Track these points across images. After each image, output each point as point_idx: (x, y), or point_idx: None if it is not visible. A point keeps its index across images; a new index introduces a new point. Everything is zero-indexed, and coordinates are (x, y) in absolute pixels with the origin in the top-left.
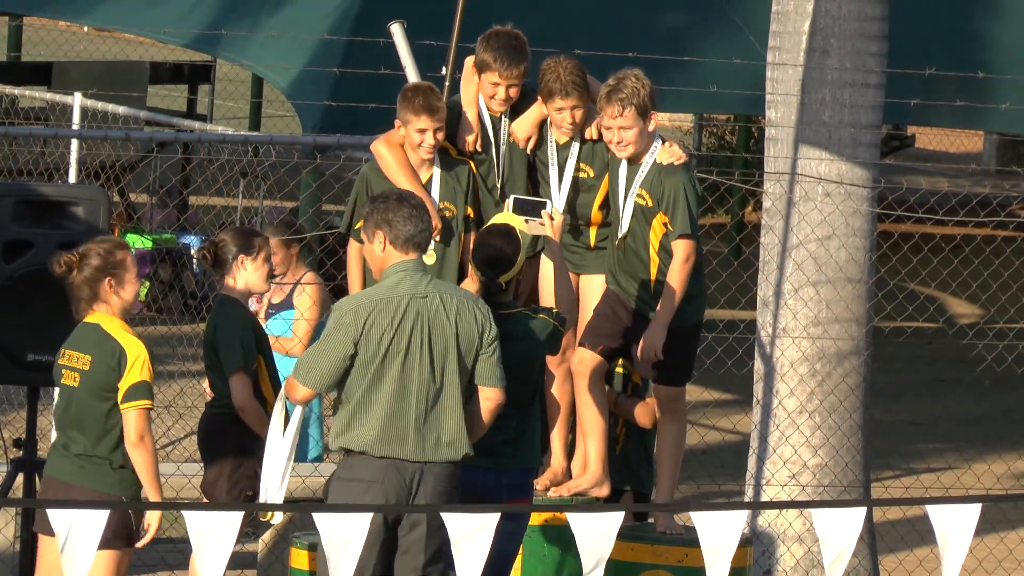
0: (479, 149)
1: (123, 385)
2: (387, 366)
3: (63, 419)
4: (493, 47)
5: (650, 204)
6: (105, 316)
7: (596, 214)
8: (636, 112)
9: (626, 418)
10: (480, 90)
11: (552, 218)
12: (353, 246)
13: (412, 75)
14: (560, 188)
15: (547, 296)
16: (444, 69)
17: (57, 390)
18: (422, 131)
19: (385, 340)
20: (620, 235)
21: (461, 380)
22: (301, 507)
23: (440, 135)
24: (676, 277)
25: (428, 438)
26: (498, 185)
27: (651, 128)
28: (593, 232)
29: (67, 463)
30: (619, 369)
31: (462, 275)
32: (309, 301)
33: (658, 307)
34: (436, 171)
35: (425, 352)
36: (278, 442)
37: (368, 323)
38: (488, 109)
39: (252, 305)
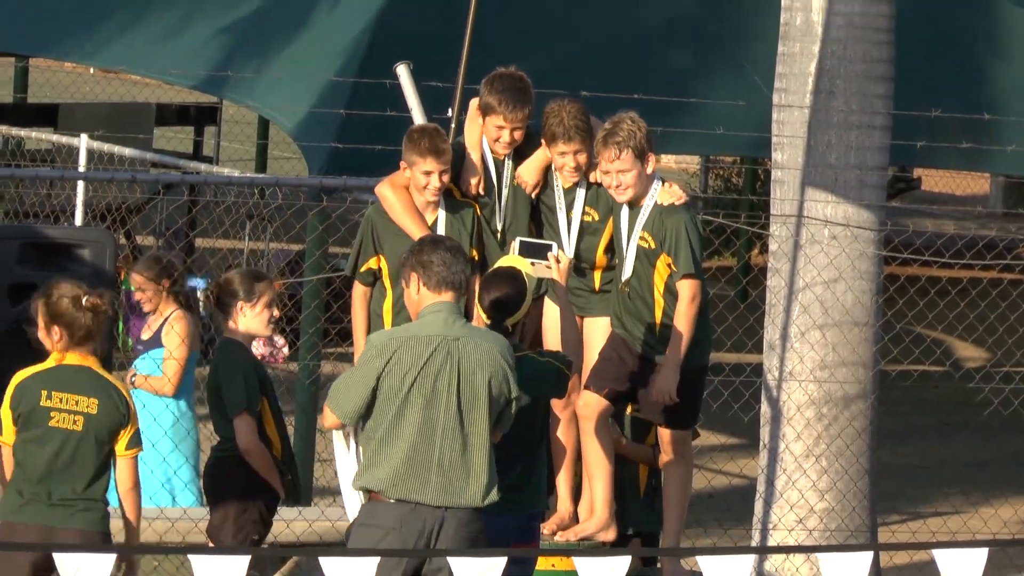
0: (483, 192)
1: (129, 431)
2: (410, 405)
3: (51, 464)
4: (497, 90)
5: (653, 246)
6: (95, 360)
7: (601, 257)
8: (633, 155)
9: (635, 461)
10: (484, 132)
11: (559, 260)
12: (358, 289)
13: (418, 117)
14: (569, 232)
15: (551, 339)
16: (450, 111)
17: (30, 436)
18: (428, 173)
19: (409, 378)
20: (624, 278)
21: (489, 427)
22: (308, 551)
23: (446, 177)
24: (683, 318)
25: (452, 482)
26: (500, 228)
27: (650, 170)
28: (598, 275)
29: (51, 511)
30: (629, 411)
31: (467, 318)
32: (177, 339)
33: (668, 350)
34: (441, 213)
35: (452, 395)
36: (345, 460)
37: (393, 359)
38: (492, 152)
39: (257, 349)
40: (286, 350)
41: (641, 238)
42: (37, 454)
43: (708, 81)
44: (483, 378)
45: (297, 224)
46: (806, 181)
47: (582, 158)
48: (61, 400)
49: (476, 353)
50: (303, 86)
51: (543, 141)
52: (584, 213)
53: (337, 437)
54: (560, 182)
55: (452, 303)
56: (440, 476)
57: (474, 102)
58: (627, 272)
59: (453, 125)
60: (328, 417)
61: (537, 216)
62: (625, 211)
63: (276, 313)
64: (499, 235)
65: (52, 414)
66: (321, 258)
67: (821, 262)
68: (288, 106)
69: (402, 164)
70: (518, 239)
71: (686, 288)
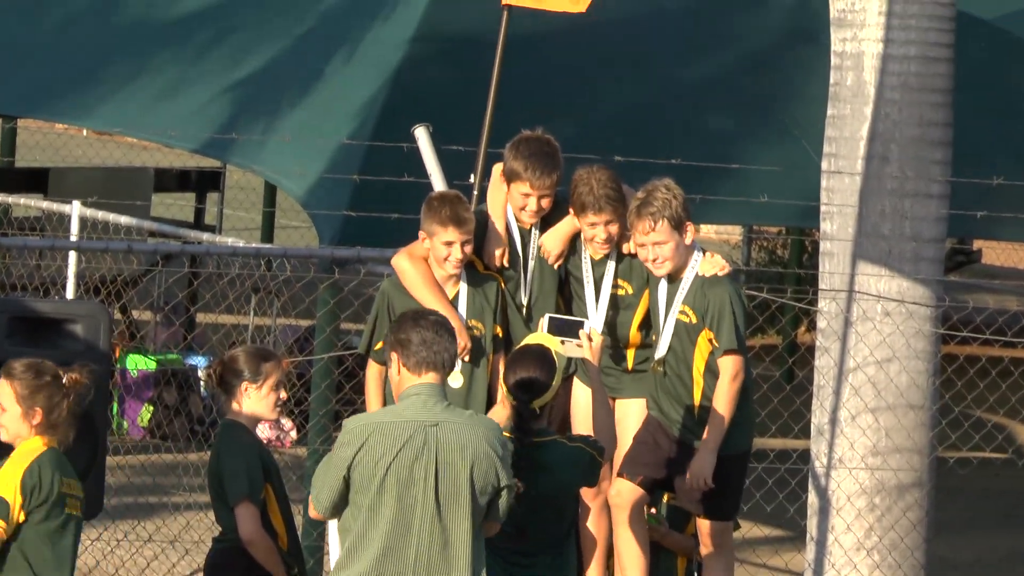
0: (507, 264)
1: None
2: (384, 497)
3: (74, 555)
4: (523, 154)
5: (694, 320)
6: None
7: (635, 335)
8: (670, 225)
9: (673, 552)
10: (509, 200)
11: (591, 339)
12: (372, 368)
13: (438, 183)
14: (597, 306)
15: (580, 422)
16: (472, 177)
17: (61, 525)
18: (449, 244)
19: (380, 468)
20: (659, 355)
21: (474, 520)
22: None
23: (468, 248)
24: (724, 397)
25: None
26: (526, 303)
27: (689, 240)
28: (631, 354)
29: None
30: (666, 500)
31: (491, 399)
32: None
33: (706, 431)
34: (463, 287)
35: (430, 486)
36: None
37: (365, 448)
38: (517, 220)
39: (263, 432)
40: (294, 434)
41: (681, 312)
42: (73, 548)
43: (750, 146)
44: (464, 466)
45: (307, 298)
46: (857, 253)
47: (613, 229)
48: (68, 487)
49: (456, 439)
50: (313, 149)
51: (571, 210)
52: (616, 286)
53: (332, 527)
54: (590, 253)
55: (434, 385)
56: None
57: (498, 167)
58: (663, 349)
59: (475, 192)
60: (311, 508)
61: (565, 290)
62: (663, 285)
63: (283, 395)
64: (524, 310)
65: (69, 500)
66: (332, 335)
67: (873, 341)
68: (297, 170)
69: (421, 234)
70: (547, 316)
71: (728, 365)
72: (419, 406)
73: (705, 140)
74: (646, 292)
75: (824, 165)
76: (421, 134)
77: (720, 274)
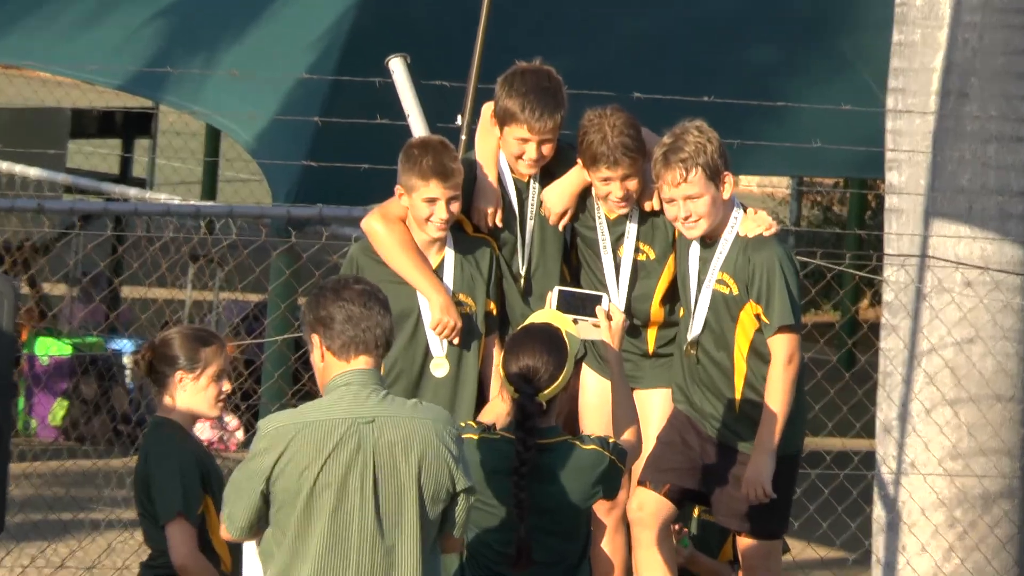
0: (501, 225)
1: None
2: (314, 513)
3: None
4: (519, 91)
5: (735, 291)
6: None
7: (657, 310)
8: (704, 175)
9: None
10: (502, 147)
11: (610, 317)
12: None
13: (418, 126)
14: (618, 277)
15: (591, 418)
16: (459, 118)
17: None
18: (431, 201)
19: (307, 479)
20: (692, 336)
21: (424, 535)
22: None
23: (455, 206)
24: (779, 385)
25: None
26: (524, 272)
27: (727, 194)
28: (652, 333)
29: None
30: (697, 514)
31: (482, 392)
32: None
33: (760, 429)
34: (449, 253)
35: (368, 496)
36: None
37: (287, 454)
38: (512, 172)
39: (202, 433)
40: (240, 434)
41: (719, 281)
42: None
43: (800, 80)
44: (409, 470)
45: (257, 268)
46: (931, 210)
47: (632, 185)
48: None
49: (398, 437)
50: (264, 86)
51: (579, 160)
52: (637, 251)
53: (248, 551)
54: (603, 211)
55: (367, 371)
56: None
57: (488, 107)
58: (697, 328)
59: (463, 137)
60: (223, 530)
61: (572, 256)
62: (695, 249)
63: (227, 387)
64: (522, 280)
65: None
66: (288, 312)
67: (951, 317)
68: (246, 112)
69: (397, 189)
70: (556, 289)
71: (782, 345)
72: (350, 399)
73: (744, 75)
74: (671, 258)
75: (889, 102)
76: (397, 66)
77: (766, 234)
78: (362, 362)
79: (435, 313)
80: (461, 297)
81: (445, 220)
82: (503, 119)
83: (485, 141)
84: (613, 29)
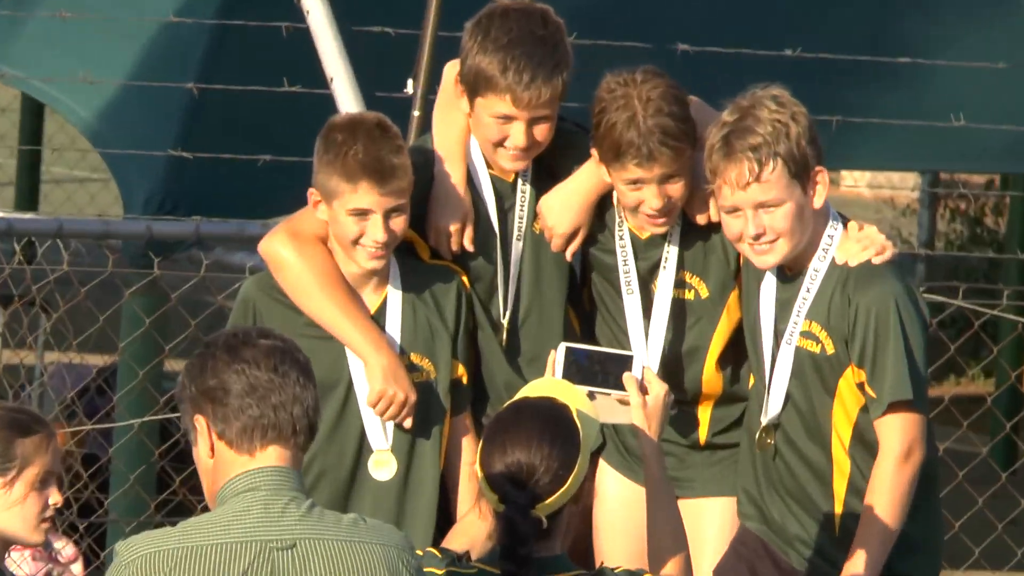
0: (470, 248)
1: None
2: None
3: None
4: (498, 43)
5: (829, 349)
6: None
7: (712, 376)
8: (786, 172)
9: None
10: (474, 129)
11: (645, 390)
12: None
13: (346, 97)
14: (649, 327)
15: (614, 540)
16: (410, 84)
17: None
18: (362, 214)
19: None
20: (768, 418)
21: None
22: None
23: (398, 222)
24: (888, 491)
25: None
26: (506, 320)
27: (818, 201)
28: (706, 414)
29: None
30: None
31: (446, 504)
32: None
33: (855, 549)
34: (394, 293)
35: None
36: None
37: None
38: (490, 166)
39: (20, 566)
40: (78, 569)
41: (805, 334)
42: None
43: (931, 25)
44: None
45: (101, 315)
46: None
47: (675, 188)
48: None
49: (330, 569)
50: (109, 39)
51: (594, 150)
52: (681, 285)
53: None
54: (629, 227)
55: (282, 470)
56: None
57: (453, 68)
58: (775, 406)
59: (416, 113)
60: None
61: (583, 294)
62: (770, 284)
63: (56, 499)
64: (505, 332)
65: None
66: (150, 380)
67: None
68: (80, 75)
69: (312, 194)
70: (563, 346)
71: (896, 431)
72: (257, 513)
73: (845, 18)
74: (732, 296)
75: None
76: (315, 5)
77: (876, 262)
78: (273, 456)
79: (375, 383)
80: (414, 358)
81: (383, 243)
82: (474, 85)
83: (448, 120)
84: None
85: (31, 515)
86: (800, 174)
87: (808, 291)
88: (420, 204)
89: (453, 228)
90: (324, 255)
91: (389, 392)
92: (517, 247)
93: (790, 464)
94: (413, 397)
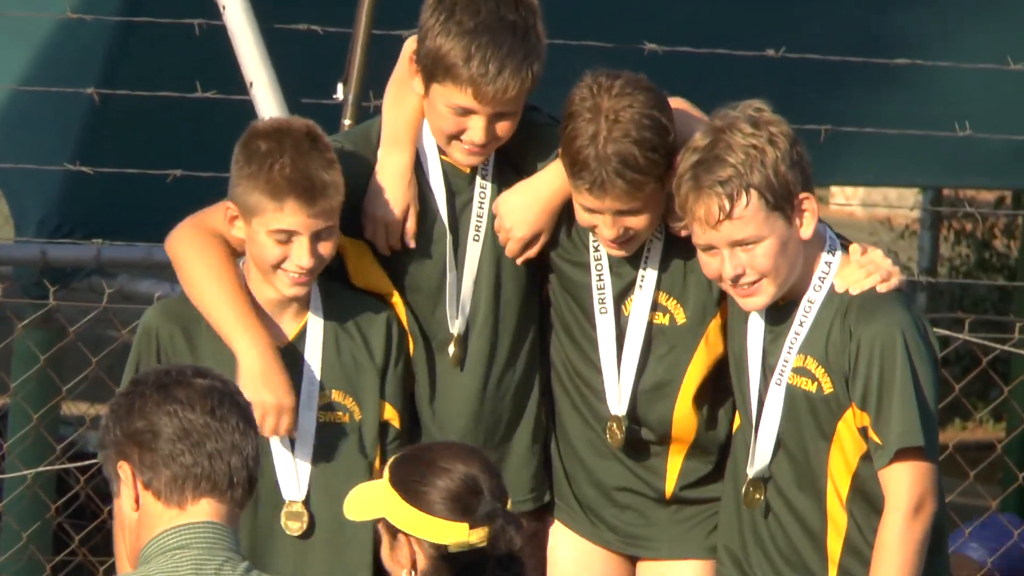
0: (411, 243)
1: None
2: None
3: None
4: (462, 26)
5: (827, 388)
6: None
7: (686, 415)
8: (764, 204)
9: None
10: (428, 116)
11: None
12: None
13: (267, 104)
14: (621, 353)
15: None
16: (340, 90)
17: None
18: (285, 236)
19: None
20: (756, 468)
21: None
22: None
23: (326, 247)
24: (896, 550)
25: None
26: (455, 332)
27: (807, 231)
28: (675, 461)
29: None
30: None
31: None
32: None
33: None
34: (315, 321)
35: None
36: None
37: None
38: (443, 156)
39: None
40: None
41: (798, 371)
42: None
43: (929, 28)
44: None
45: None
46: None
47: (636, 221)
48: None
49: None
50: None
51: (561, 153)
52: (655, 307)
53: None
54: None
55: (215, 528)
56: None
57: (409, 46)
58: (763, 454)
59: (347, 121)
60: None
61: (544, 307)
62: (757, 321)
63: None
64: (452, 347)
65: None
66: (47, 423)
67: None
68: None
69: (228, 209)
70: None
71: (905, 482)
72: (187, 574)
73: (831, 18)
74: (714, 323)
75: None
76: (232, 0)
77: (881, 290)
78: (206, 510)
79: (246, 389)
80: (335, 396)
81: (307, 269)
82: (432, 70)
83: (399, 99)
84: None
85: None
86: (781, 204)
87: (802, 324)
88: (355, 198)
89: (392, 220)
90: (219, 247)
91: (260, 399)
92: (474, 249)
93: (781, 520)
94: (289, 401)
